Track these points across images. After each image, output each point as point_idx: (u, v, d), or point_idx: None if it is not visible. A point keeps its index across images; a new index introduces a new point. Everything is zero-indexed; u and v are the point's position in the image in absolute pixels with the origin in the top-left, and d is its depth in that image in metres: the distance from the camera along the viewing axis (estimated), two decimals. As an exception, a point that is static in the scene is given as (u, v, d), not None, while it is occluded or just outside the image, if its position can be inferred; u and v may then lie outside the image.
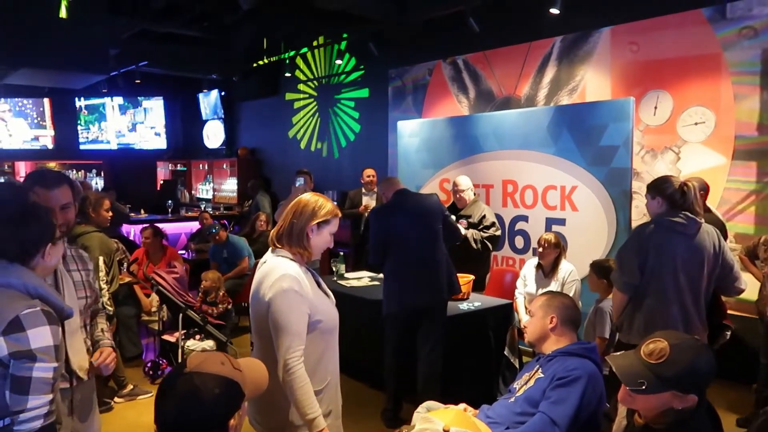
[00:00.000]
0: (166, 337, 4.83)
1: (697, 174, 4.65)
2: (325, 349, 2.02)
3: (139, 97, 10.97)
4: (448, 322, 3.78)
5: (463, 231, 4.42)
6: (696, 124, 4.73)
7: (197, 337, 4.70)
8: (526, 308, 4.24)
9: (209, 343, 4.64)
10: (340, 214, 2.10)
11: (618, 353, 1.71)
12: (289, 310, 1.88)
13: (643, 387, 1.53)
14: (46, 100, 10.52)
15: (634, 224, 4.48)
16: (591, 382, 2.02)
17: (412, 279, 3.64)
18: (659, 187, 2.92)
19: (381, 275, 4.58)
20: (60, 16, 6.01)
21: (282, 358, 1.86)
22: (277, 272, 1.93)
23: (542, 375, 2.10)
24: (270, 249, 2.06)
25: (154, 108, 11.17)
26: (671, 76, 4.86)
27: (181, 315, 4.50)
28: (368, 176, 6.37)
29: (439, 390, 3.53)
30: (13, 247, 1.63)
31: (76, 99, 10.82)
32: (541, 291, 4.07)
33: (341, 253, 5.39)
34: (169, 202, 9.70)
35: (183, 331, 4.55)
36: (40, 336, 1.52)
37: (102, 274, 3.57)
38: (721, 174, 4.60)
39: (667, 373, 1.53)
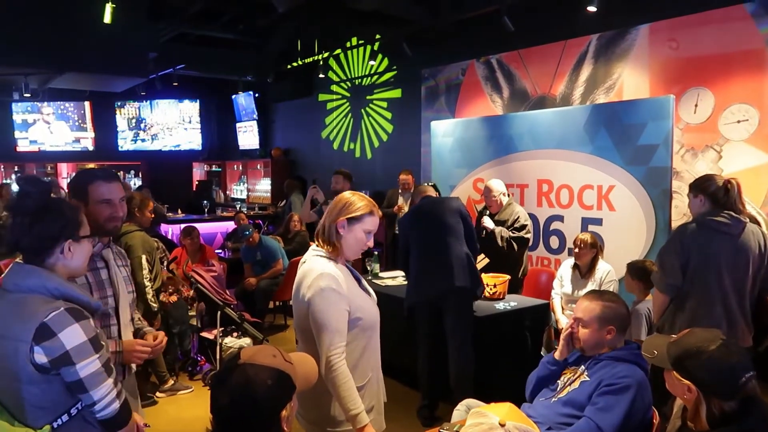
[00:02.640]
0: (204, 334, 4.93)
1: (740, 173, 4.55)
2: (366, 346, 2.05)
3: (175, 99, 11.21)
4: (485, 322, 3.78)
5: (490, 226, 4.50)
6: (738, 121, 4.62)
7: (234, 334, 4.79)
8: (562, 308, 4.21)
9: (246, 341, 4.73)
10: (376, 212, 2.05)
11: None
12: (327, 308, 1.92)
13: (651, 355, 1.75)
14: (86, 103, 10.83)
15: (675, 224, 4.40)
16: (640, 391, 2.00)
17: (428, 269, 3.74)
18: (702, 186, 2.87)
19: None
20: (104, 21, 6.19)
21: (324, 355, 1.89)
22: (315, 272, 1.96)
23: (588, 378, 2.08)
24: (311, 248, 2.10)
25: (190, 109, 11.41)
26: (712, 72, 4.76)
27: (219, 313, 4.59)
28: (404, 179, 6.70)
29: (472, 388, 3.54)
30: (30, 241, 1.59)
31: (116, 102, 11.12)
32: (577, 292, 4.04)
33: (375, 253, 5.42)
34: (205, 202, 9.89)
35: (221, 329, 4.65)
36: (72, 335, 1.51)
37: (145, 272, 3.68)
38: (765, 173, 4.48)
39: (672, 351, 1.67)
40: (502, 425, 1.18)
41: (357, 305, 2.00)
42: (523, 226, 4.55)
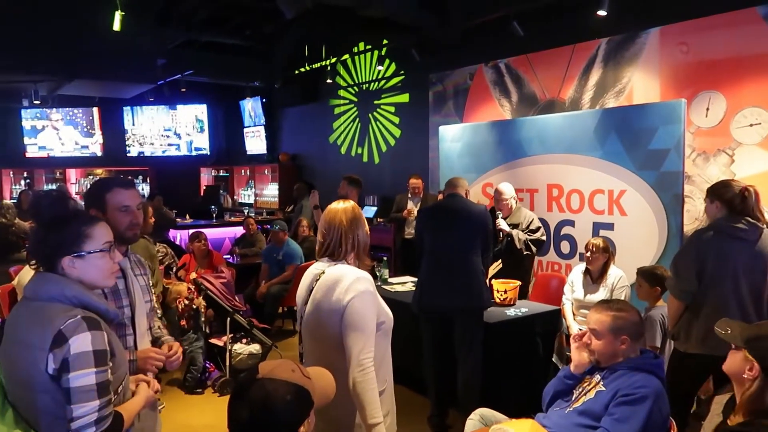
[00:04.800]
0: (213, 341, 4.92)
1: (753, 177, 4.50)
2: (386, 351, 2.06)
3: (183, 105, 11.26)
4: (496, 328, 3.74)
5: (507, 228, 4.43)
6: (751, 125, 4.57)
7: (244, 341, 4.78)
8: (573, 314, 4.17)
9: (255, 347, 4.71)
10: None
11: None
12: (365, 311, 1.92)
13: (724, 331, 1.80)
14: (95, 109, 10.89)
15: (687, 229, 4.36)
16: (657, 401, 1.97)
17: (437, 279, 3.65)
18: (718, 192, 2.83)
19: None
20: (113, 29, 6.22)
21: (356, 358, 1.87)
22: (351, 276, 1.96)
23: (604, 388, 2.05)
24: (322, 261, 2.08)
25: (198, 114, 11.46)
26: (724, 76, 4.72)
27: (228, 319, 4.58)
28: (414, 184, 6.69)
29: (479, 397, 3.50)
30: (45, 249, 1.61)
31: (124, 107, 11.18)
32: (589, 297, 4.00)
33: (384, 258, 5.40)
34: (213, 207, 9.91)
35: (230, 335, 4.63)
36: (80, 343, 1.50)
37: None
38: (778, 177, 4.44)
39: (747, 331, 1.75)
40: (525, 443, 1.15)
41: (383, 310, 2.02)
42: (538, 228, 4.54)
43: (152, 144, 11.47)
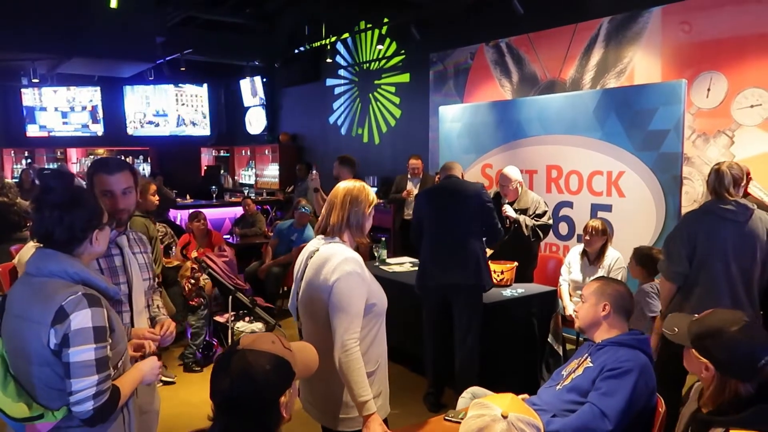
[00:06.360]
0: (217, 318, 4.96)
1: (752, 159, 4.49)
2: (378, 332, 2.07)
3: (183, 84, 11.20)
4: (492, 309, 3.77)
5: (513, 215, 4.26)
6: (752, 106, 4.54)
7: (246, 319, 4.83)
8: (570, 295, 4.19)
9: (258, 326, 4.76)
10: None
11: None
12: (350, 292, 1.93)
13: (672, 332, 1.76)
14: (96, 88, 10.85)
15: (685, 211, 4.36)
16: (643, 374, 1.99)
17: (437, 258, 3.68)
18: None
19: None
20: (110, 6, 6.16)
21: (340, 338, 1.90)
22: (339, 256, 1.97)
23: (591, 364, 2.08)
24: (318, 238, 2.10)
25: (199, 93, 11.40)
26: (726, 56, 4.67)
27: (230, 297, 4.62)
28: (414, 164, 6.61)
29: (476, 377, 3.54)
30: (61, 233, 1.63)
31: (124, 86, 11.13)
32: (586, 279, 4.02)
33: (383, 239, 5.42)
34: (214, 187, 9.92)
35: (232, 313, 4.68)
36: (80, 319, 1.54)
37: None
38: (778, 159, 4.42)
39: (693, 329, 1.68)
40: (505, 417, 1.17)
41: (373, 291, 2.03)
42: (544, 212, 4.37)
43: (153, 123, 11.44)
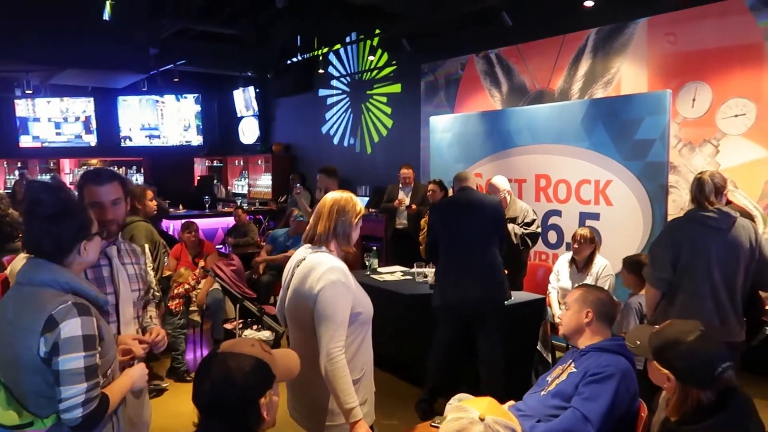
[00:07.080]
0: (225, 326, 4.97)
1: (737, 167, 4.56)
2: (363, 340, 2.10)
3: (176, 95, 11.23)
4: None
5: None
6: (736, 116, 4.62)
7: (254, 327, 4.85)
8: (559, 303, 4.23)
9: (266, 334, 4.77)
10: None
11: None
12: (335, 301, 1.96)
13: (634, 345, 1.82)
14: (89, 99, 10.86)
15: (671, 218, 4.42)
16: (625, 379, 2.02)
17: (459, 275, 3.63)
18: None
19: (413, 270, 4.64)
20: (104, 18, 6.21)
21: (325, 347, 1.92)
22: (324, 265, 2.00)
23: (575, 369, 2.11)
24: (305, 247, 2.13)
25: (190, 104, 11.43)
26: (710, 67, 4.75)
27: (238, 305, 4.65)
28: (405, 174, 6.61)
29: (503, 389, 3.48)
30: (50, 243, 1.66)
31: (118, 97, 11.15)
32: (574, 286, 4.05)
33: (374, 248, 5.45)
34: (206, 197, 9.92)
35: (240, 321, 4.70)
36: (70, 328, 1.57)
37: (148, 261, 3.72)
38: (762, 167, 4.48)
39: (653, 341, 1.73)
40: (482, 420, 1.20)
41: (359, 300, 2.05)
42: (533, 221, 4.47)
43: (145, 134, 11.45)
